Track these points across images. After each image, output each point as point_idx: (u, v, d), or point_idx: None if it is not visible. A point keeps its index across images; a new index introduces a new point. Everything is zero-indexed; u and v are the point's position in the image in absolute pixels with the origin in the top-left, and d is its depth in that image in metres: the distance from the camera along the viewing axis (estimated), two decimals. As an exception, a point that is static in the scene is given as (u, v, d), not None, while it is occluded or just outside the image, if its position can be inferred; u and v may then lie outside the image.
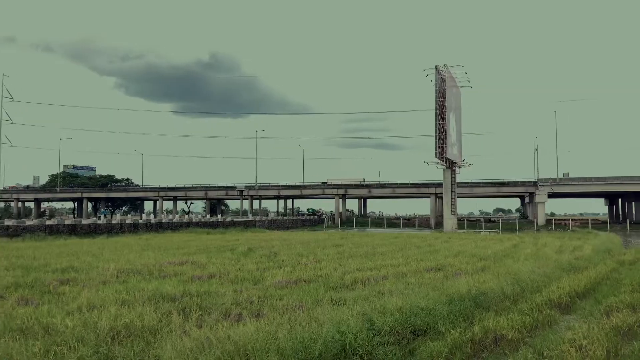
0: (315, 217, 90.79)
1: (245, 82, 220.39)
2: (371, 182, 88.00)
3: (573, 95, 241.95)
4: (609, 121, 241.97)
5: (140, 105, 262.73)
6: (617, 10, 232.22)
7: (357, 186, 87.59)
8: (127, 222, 46.71)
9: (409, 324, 7.52)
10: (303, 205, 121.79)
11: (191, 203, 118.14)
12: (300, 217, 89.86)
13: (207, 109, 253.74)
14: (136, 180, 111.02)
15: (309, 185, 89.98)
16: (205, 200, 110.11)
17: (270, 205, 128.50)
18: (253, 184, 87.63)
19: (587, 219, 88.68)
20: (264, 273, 13.97)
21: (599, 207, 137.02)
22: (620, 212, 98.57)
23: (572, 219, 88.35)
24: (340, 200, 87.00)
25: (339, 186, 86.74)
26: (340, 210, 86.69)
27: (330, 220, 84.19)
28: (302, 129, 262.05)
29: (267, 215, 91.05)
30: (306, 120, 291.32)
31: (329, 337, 6.43)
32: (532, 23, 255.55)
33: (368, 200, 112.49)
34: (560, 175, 75.37)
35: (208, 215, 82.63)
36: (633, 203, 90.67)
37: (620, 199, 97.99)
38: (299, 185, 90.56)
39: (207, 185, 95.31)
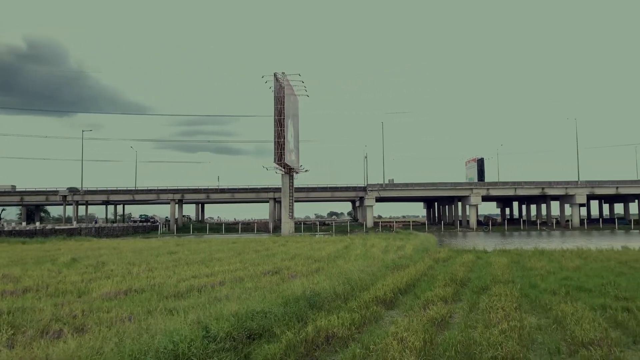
0: (149, 223, 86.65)
1: (71, 77, 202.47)
2: (209, 187, 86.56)
3: (398, 108, 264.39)
4: (428, 132, 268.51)
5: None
6: (441, 32, 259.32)
7: (194, 191, 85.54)
8: None
9: (245, 328, 7.50)
10: (136, 211, 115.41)
11: (3, 209, 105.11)
12: (132, 223, 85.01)
13: (24, 105, 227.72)
14: None
15: (142, 190, 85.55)
16: (21, 207, 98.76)
17: (98, 211, 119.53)
18: (78, 188, 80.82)
19: (409, 221, 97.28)
20: (90, 284, 12.95)
21: (419, 210, 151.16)
22: (436, 215, 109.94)
23: (396, 221, 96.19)
24: (177, 205, 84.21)
25: (175, 191, 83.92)
26: (177, 216, 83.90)
27: (166, 227, 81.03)
28: (135, 130, 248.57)
29: (95, 222, 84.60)
30: (140, 120, 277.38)
31: (161, 347, 6.15)
32: (361, 40, 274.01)
33: (206, 205, 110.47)
34: (387, 181, 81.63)
35: (24, 223, 74.21)
36: (446, 206, 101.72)
37: (436, 203, 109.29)
38: (131, 190, 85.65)
39: (24, 190, 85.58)
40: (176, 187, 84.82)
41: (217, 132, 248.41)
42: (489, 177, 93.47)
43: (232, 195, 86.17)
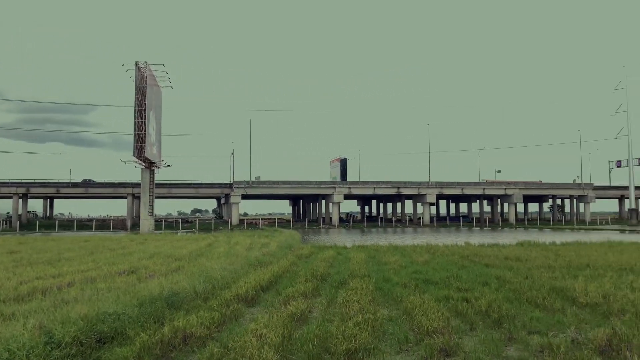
0: (-14, 220, 77.73)
1: None
2: (60, 181, 79.77)
3: (267, 106, 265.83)
4: (296, 131, 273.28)
5: None
6: (316, 34, 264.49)
7: (42, 184, 78.27)
8: None
9: (95, 331, 7.04)
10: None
11: None
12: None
13: None
14: None
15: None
16: None
17: None
18: None
19: (275, 219, 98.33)
20: None
21: (285, 208, 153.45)
22: (302, 212, 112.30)
23: (262, 219, 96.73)
24: (20, 200, 76.51)
25: (19, 184, 76.15)
26: (20, 212, 76.21)
27: (6, 224, 73.19)
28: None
29: None
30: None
31: (-6, 358, 5.54)
32: (229, 33, 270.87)
33: (56, 200, 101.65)
34: (253, 179, 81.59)
35: None
36: (311, 204, 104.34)
37: (301, 201, 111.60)
38: (-35, 183, 76.14)
39: None
40: (20, 180, 76.99)
41: (70, 122, 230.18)
42: (351, 176, 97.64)
43: (86, 190, 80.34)
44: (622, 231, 54.89)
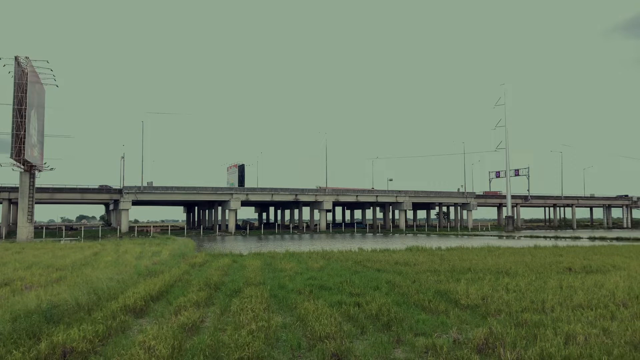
0: None
1: None
2: None
3: (159, 108, 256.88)
4: (192, 135, 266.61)
5: None
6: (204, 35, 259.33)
7: None
8: None
9: (-43, 352, 6.37)
10: None
11: None
12: None
13: None
14: None
15: None
16: None
17: None
18: None
19: (168, 226, 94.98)
20: None
21: (179, 215, 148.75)
22: (197, 219, 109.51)
23: (154, 226, 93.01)
24: None
25: None
26: None
27: None
28: None
29: None
30: None
31: None
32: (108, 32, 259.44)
33: None
34: (145, 184, 78.23)
35: None
36: (207, 211, 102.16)
37: (196, 207, 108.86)
38: None
39: None
40: None
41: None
42: (249, 182, 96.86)
43: (-47, 194, 72.51)
44: (500, 237, 59.36)
